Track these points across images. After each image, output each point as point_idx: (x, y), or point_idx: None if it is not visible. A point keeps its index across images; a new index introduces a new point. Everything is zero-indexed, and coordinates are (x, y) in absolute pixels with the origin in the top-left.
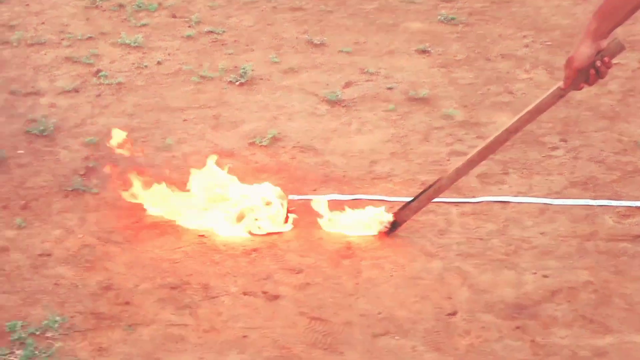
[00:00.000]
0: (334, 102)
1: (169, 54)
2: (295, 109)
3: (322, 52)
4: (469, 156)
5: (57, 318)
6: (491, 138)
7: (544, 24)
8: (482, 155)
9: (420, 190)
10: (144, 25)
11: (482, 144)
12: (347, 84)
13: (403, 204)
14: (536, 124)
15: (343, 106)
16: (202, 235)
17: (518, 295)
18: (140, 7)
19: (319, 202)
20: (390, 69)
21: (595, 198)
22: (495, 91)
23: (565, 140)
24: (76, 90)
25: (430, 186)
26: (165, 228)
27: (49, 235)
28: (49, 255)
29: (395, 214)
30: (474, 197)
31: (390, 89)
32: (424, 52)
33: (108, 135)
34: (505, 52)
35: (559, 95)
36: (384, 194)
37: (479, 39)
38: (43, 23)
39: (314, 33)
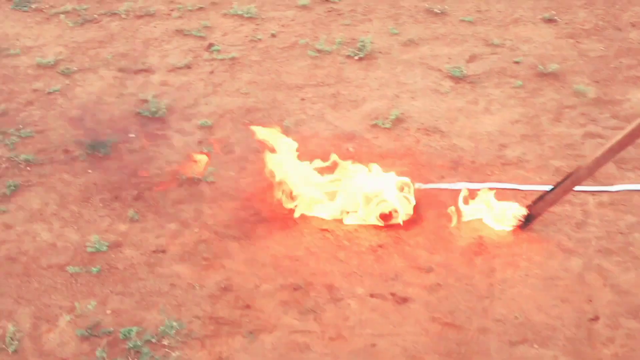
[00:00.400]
0: (458, 79)
1: (283, 26)
2: (417, 86)
3: (443, 21)
4: (609, 144)
5: (174, 323)
6: (634, 124)
7: None
8: (625, 143)
9: (557, 181)
10: None
11: (624, 131)
12: (471, 58)
13: (536, 193)
14: None
15: (468, 82)
16: (326, 230)
17: None
18: None
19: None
20: (515, 40)
21: None
22: (628, 64)
23: None
24: (188, 67)
25: (567, 177)
26: (285, 221)
27: (164, 230)
28: (163, 251)
29: (530, 207)
30: (611, 185)
31: (517, 63)
32: (550, 20)
33: (223, 116)
34: (635, 19)
35: None
36: (516, 182)
37: (607, 5)
38: None
39: (433, 1)
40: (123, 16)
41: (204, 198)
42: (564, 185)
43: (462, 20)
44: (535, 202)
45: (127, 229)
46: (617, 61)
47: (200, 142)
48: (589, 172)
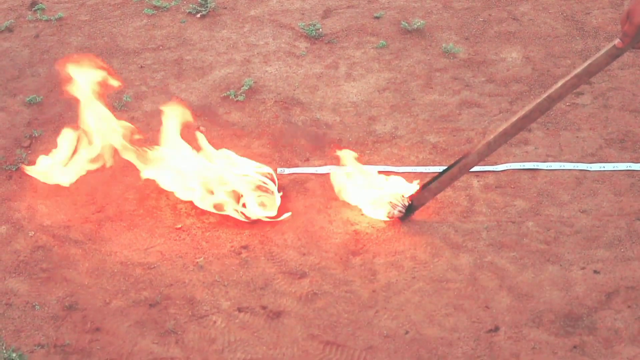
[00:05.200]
0: (314, 38)
1: None
2: (270, 48)
3: None
4: (502, 127)
5: (14, 355)
6: (530, 106)
7: None
8: (519, 126)
9: (433, 160)
10: None
11: (519, 113)
12: (326, 12)
13: (414, 175)
14: (551, 60)
15: (326, 43)
16: (179, 229)
17: (568, 300)
18: None
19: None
20: None
21: (637, 160)
22: (497, 17)
23: (589, 83)
24: (10, 30)
25: (454, 163)
26: (133, 219)
27: None
28: None
29: (412, 197)
30: (495, 163)
31: (377, 18)
32: None
33: (53, 90)
34: None
35: (615, 55)
36: (390, 162)
37: None
38: None
39: None
40: None
41: (37, 193)
42: (451, 172)
43: None
44: (417, 191)
45: None
46: (485, 13)
47: (29, 124)
48: (480, 157)
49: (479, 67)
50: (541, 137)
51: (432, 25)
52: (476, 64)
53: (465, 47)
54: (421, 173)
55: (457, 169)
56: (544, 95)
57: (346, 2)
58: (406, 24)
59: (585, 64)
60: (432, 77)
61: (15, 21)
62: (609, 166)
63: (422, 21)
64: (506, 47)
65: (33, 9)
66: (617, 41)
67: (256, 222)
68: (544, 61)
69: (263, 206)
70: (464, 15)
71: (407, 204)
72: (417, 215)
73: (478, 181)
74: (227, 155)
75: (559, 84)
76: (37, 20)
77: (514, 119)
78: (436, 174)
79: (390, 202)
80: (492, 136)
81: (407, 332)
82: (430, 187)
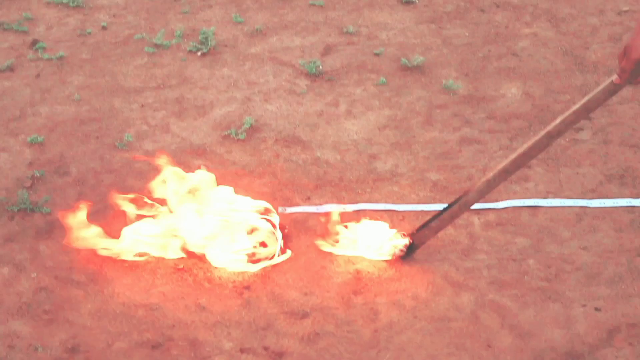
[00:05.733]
0: (314, 76)
1: (114, 16)
2: (270, 86)
3: (291, 6)
4: (502, 165)
5: None
6: (529, 143)
7: None
8: (519, 163)
9: (434, 198)
10: None
11: (518, 150)
12: (326, 50)
13: (414, 214)
14: (551, 95)
15: (326, 80)
16: (181, 269)
17: (569, 338)
18: None
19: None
20: (372, 27)
21: (637, 196)
22: (497, 53)
23: (588, 118)
24: (11, 69)
25: (455, 202)
26: (134, 261)
27: None
28: None
29: (412, 236)
30: (496, 200)
31: (377, 55)
32: (407, 3)
33: (54, 130)
34: None
35: (612, 91)
36: (391, 200)
37: None
38: None
39: None
40: None
41: (39, 234)
42: (451, 210)
43: (312, 5)
44: (418, 230)
45: None
46: (485, 49)
47: (30, 164)
48: (480, 195)
49: (479, 103)
50: (541, 173)
51: (432, 61)
52: (476, 100)
53: (465, 84)
54: (422, 211)
55: (458, 207)
56: (543, 132)
57: (346, 39)
58: (406, 61)
59: (584, 100)
60: (432, 114)
61: (16, 60)
62: (609, 202)
63: (421, 58)
64: (506, 83)
65: (34, 47)
66: (614, 77)
67: (257, 262)
68: (544, 97)
69: (264, 246)
70: (464, 51)
71: (408, 242)
72: (418, 253)
73: (479, 218)
74: (226, 193)
75: (558, 120)
76: (38, 59)
77: (513, 156)
78: (437, 212)
79: (391, 241)
80: (492, 174)
81: None
82: (431, 225)
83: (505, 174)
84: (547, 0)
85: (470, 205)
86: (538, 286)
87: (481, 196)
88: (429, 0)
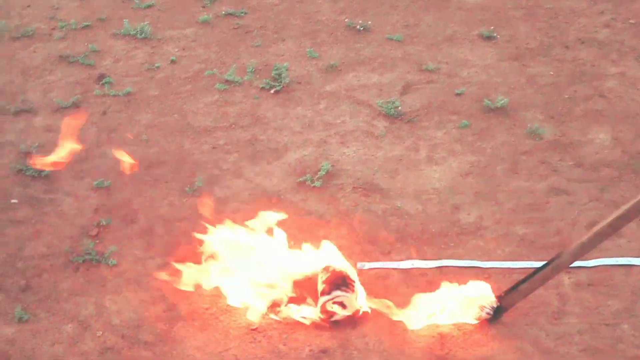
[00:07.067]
0: (393, 117)
1: (183, 49)
2: (347, 127)
3: (367, 40)
4: (597, 227)
5: None
6: (628, 205)
7: None
8: (616, 226)
9: (520, 253)
10: (149, 6)
11: (616, 212)
12: (405, 88)
13: (500, 270)
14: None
15: (405, 122)
16: (255, 330)
17: None
18: None
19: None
20: (452, 63)
21: None
22: (583, 94)
23: None
24: (76, 106)
25: (546, 264)
26: (205, 319)
27: (60, 334)
28: None
29: (501, 298)
30: (587, 258)
31: (458, 95)
32: (488, 37)
33: (121, 174)
34: (583, 34)
35: None
36: (475, 256)
37: (549, 17)
38: (29, 6)
39: (353, 13)
40: None
41: (105, 288)
42: (543, 273)
43: (389, 39)
44: (507, 292)
45: (14, 334)
46: (570, 89)
47: (96, 210)
48: (573, 258)
49: (566, 149)
50: (635, 229)
51: (515, 102)
52: (563, 146)
53: (551, 128)
54: (508, 269)
55: (550, 270)
56: None
57: (425, 77)
58: (489, 102)
59: None
60: (517, 161)
61: (82, 96)
62: None
63: (505, 98)
64: (594, 127)
65: (100, 82)
66: None
67: (335, 323)
68: (635, 142)
69: (342, 307)
70: (549, 91)
71: (495, 305)
72: (506, 316)
73: (569, 278)
74: (307, 250)
75: None
76: (105, 95)
77: (610, 218)
78: (524, 269)
79: (479, 303)
80: (586, 237)
81: None
82: (520, 288)
83: (601, 236)
84: (634, 37)
85: (563, 269)
86: (633, 354)
87: (575, 259)
88: (511, 35)
